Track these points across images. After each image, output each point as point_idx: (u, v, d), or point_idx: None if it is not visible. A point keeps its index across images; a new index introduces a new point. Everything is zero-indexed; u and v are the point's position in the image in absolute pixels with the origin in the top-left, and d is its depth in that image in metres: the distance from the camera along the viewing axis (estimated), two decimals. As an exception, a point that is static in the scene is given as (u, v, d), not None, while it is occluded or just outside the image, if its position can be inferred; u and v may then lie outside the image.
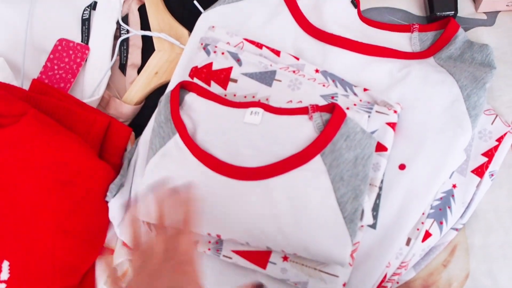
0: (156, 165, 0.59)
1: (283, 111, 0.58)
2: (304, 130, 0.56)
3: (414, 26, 0.67)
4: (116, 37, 0.72)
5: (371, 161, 0.56)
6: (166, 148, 0.59)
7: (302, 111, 0.57)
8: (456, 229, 0.60)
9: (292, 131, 0.56)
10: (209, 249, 0.59)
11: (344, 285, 0.57)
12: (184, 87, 0.62)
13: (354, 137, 0.56)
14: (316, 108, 0.57)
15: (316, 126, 0.56)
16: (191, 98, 0.61)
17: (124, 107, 0.69)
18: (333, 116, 0.56)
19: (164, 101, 0.61)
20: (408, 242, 0.59)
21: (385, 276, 0.58)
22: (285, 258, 0.57)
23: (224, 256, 0.59)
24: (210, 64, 0.64)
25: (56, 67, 0.71)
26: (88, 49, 0.71)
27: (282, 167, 0.55)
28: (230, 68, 0.64)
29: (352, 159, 0.55)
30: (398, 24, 0.68)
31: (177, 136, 0.58)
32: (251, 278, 0.59)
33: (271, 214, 0.54)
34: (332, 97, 0.61)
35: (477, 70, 0.62)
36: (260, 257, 0.58)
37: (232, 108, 0.59)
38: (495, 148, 0.61)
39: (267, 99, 0.61)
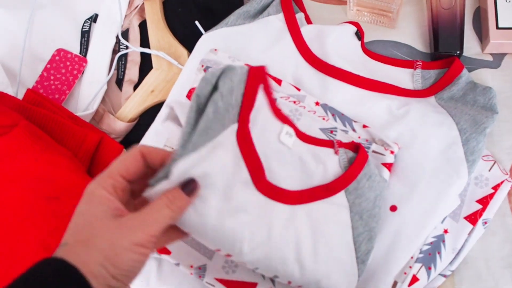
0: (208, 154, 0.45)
1: (310, 139, 0.57)
2: (330, 164, 0.56)
3: (418, 63, 0.66)
4: (115, 52, 0.71)
5: (383, 204, 0.56)
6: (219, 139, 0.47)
7: (328, 143, 0.57)
8: (445, 276, 0.59)
9: (319, 163, 0.56)
10: (191, 274, 0.58)
11: None
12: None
13: (374, 178, 0.56)
14: (341, 144, 0.57)
15: (341, 162, 0.56)
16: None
17: (117, 124, 0.68)
18: (359, 155, 0.56)
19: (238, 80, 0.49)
20: (394, 285, 0.57)
21: (368, 319, 0.57)
22: None
23: (207, 282, 0.57)
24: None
25: (52, 77, 0.70)
26: (85, 61, 0.70)
27: (310, 195, 0.53)
28: None
29: (372, 199, 0.55)
30: (402, 59, 0.67)
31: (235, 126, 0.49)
32: None
33: (294, 241, 0.51)
34: (331, 131, 0.60)
35: (479, 113, 0.60)
36: None
37: (273, 115, 0.54)
38: (491, 196, 0.59)
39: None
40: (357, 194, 0.55)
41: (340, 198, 0.54)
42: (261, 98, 0.52)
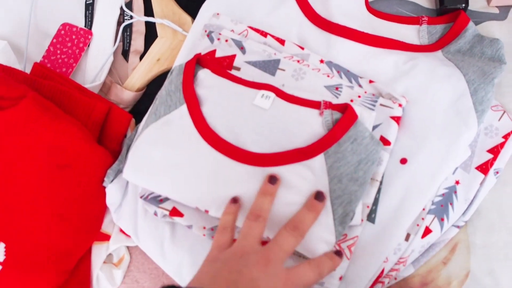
0: (156, 131, 0.58)
1: (295, 99, 0.56)
2: (312, 124, 0.55)
3: (423, 19, 0.65)
4: (119, 23, 0.71)
5: (374, 168, 0.55)
6: (170, 116, 0.58)
7: (314, 104, 0.56)
8: (458, 227, 0.59)
9: (300, 124, 0.55)
10: (204, 235, 0.58)
11: (340, 278, 0.55)
12: (199, 62, 0.61)
13: (361, 141, 0.54)
14: (329, 105, 0.56)
15: (325, 123, 0.55)
16: (204, 74, 0.60)
17: (125, 94, 0.68)
18: (343, 116, 0.55)
19: (177, 71, 0.60)
20: (407, 237, 0.57)
21: (382, 271, 0.57)
22: None
23: None
24: (214, 52, 0.64)
25: (58, 51, 0.70)
26: (91, 34, 0.71)
27: (284, 158, 0.54)
28: (234, 56, 0.63)
29: (355, 163, 0.54)
30: (407, 16, 0.67)
31: (184, 107, 0.58)
32: None
33: None
34: (337, 88, 0.60)
35: (486, 65, 0.60)
36: None
37: (244, 87, 0.58)
38: (501, 145, 0.59)
39: (283, 85, 0.60)
40: (336, 158, 0.54)
41: (317, 161, 0.54)
42: (213, 79, 0.59)
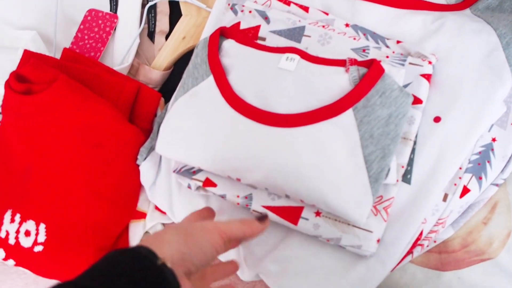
0: (185, 104, 0.58)
1: (320, 60, 0.56)
2: (339, 81, 0.54)
3: (449, -22, 0.64)
4: (143, 5, 0.72)
5: (405, 121, 0.54)
6: (198, 88, 0.58)
7: (340, 63, 0.55)
8: (497, 185, 0.57)
9: (326, 82, 0.55)
10: (238, 204, 0.58)
11: (378, 241, 0.55)
12: (223, 33, 0.61)
13: (390, 94, 0.53)
14: (354, 61, 0.55)
15: (352, 79, 0.54)
16: (229, 44, 0.60)
17: (153, 73, 0.69)
18: (370, 70, 0.54)
19: (202, 44, 0.60)
20: (445, 198, 0.56)
21: (421, 233, 0.56)
22: (317, 214, 0.56)
23: (253, 211, 0.58)
24: (238, 24, 0.64)
25: (86, 37, 0.72)
26: (116, 17, 0.72)
27: (312, 117, 0.53)
28: (258, 27, 0.63)
29: (385, 116, 0.53)
30: (432, -24, 0.66)
31: (211, 77, 0.58)
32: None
33: (295, 163, 0.53)
34: (364, 50, 0.59)
35: (517, 18, 0.58)
36: (291, 213, 0.56)
37: (268, 53, 0.58)
38: (538, 98, 0.57)
39: (306, 48, 0.60)
40: (366, 112, 0.52)
41: (347, 117, 0.53)
42: (237, 48, 0.59)
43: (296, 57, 0.56)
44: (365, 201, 0.52)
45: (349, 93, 0.53)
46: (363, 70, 0.54)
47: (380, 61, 0.56)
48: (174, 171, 0.61)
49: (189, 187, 0.60)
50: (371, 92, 0.53)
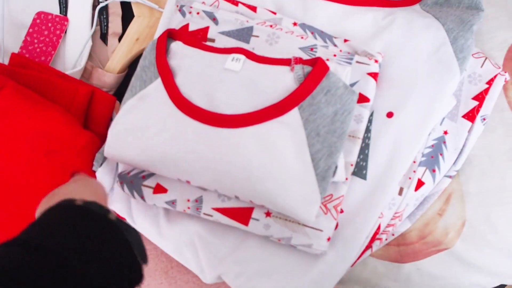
0: (133, 107, 0.58)
1: (265, 60, 0.56)
2: (284, 81, 0.55)
3: (398, -26, 0.65)
4: (94, 6, 0.70)
5: (351, 118, 0.54)
6: (146, 90, 0.58)
7: (285, 62, 0.56)
8: (450, 177, 0.59)
9: (272, 81, 0.55)
10: (188, 208, 0.58)
11: (328, 239, 0.55)
12: (171, 35, 0.60)
13: (335, 92, 0.54)
14: (299, 60, 0.55)
15: (296, 78, 0.55)
16: (176, 46, 0.59)
17: (107, 76, 0.68)
18: (314, 69, 0.54)
19: (150, 47, 0.60)
20: (400, 191, 0.57)
21: (379, 227, 0.57)
22: (268, 214, 0.56)
23: (204, 214, 0.58)
24: (187, 26, 0.63)
25: (36, 40, 0.70)
26: (67, 20, 0.70)
27: (258, 117, 0.53)
28: (207, 28, 0.62)
29: (330, 114, 0.53)
30: (382, -28, 0.66)
31: (159, 80, 0.57)
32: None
33: (242, 163, 0.53)
34: (312, 49, 0.59)
35: (464, 13, 0.60)
36: (241, 214, 0.57)
37: (215, 53, 0.58)
38: (486, 91, 0.59)
39: (253, 48, 0.60)
40: (311, 110, 0.53)
41: (292, 116, 0.53)
42: (185, 50, 0.59)
43: (242, 57, 0.56)
44: (313, 199, 0.52)
45: (294, 92, 0.54)
46: (308, 68, 0.55)
47: (327, 59, 0.57)
48: (120, 173, 0.60)
49: (142, 197, 0.59)
50: (316, 90, 0.53)
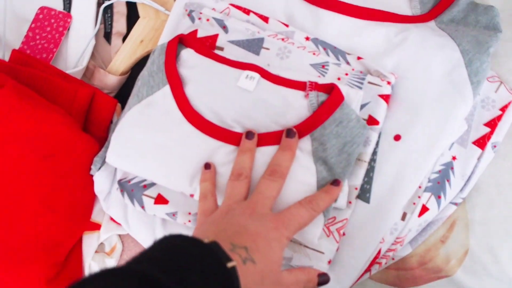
0: (139, 113, 0.57)
1: (281, 80, 0.55)
2: (297, 106, 0.54)
3: (415, -13, 0.62)
4: (99, 4, 0.68)
5: (359, 150, 0.53)
6: (153, 97, 0.56)
7: (300, 86, 0.54)
8: (456, 204, 0.57)
9: (285, 105, 0.54)
10: (189, 221, 0.57)
11: (329, 262, 0.54)
12: (182, 41, 0.59)
13: (347, 124, 0.52)
14: (315, 86, 0.54)
15: (310, 106, 0.54)
16: (187, 54, 0.58)
17: (109, 78, 0.66)
18: (329, 98, 0.53)
19: (159, 51, 0.58)
20: (403, 217, 0.56)
21: (379, 252, 0.56)
22: None
23: None
24: (195, 32, 0.61)
25: (38, 36, 0.68)
26: (70, 17, 0.68)
27: (269, 139, 0.53)
28: (216, 36, 0.60)
29: (339, 146, 0.52)
30: (398, -15, 0.64)
31: (167, 87, 0.56)
32: None
33: None
34: (323, 66, 0.57)
35: (481, 33, 0.58)
36: None
37: (228, 67, 0.56)
38: (499, 117, 0.57)
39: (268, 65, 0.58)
40: (322, 140, 0.52)
41: (303, 142, 0.53)
42: (196, 59, 0.57)
43: (256, 75, 0.54)
44: (316, 221, 0.51)
45: (306, 120, 0.53)
46: (323, 96, 0.53)
47: (338, 79, 0.56)
48: (120, 181, 0.59)
49: (142, 207, 0.58)
50: (328, 120, 0.52)
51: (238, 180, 0.51)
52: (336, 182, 0.52)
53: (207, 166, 0.53)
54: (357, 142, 0.52)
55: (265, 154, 0.53)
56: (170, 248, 0.39)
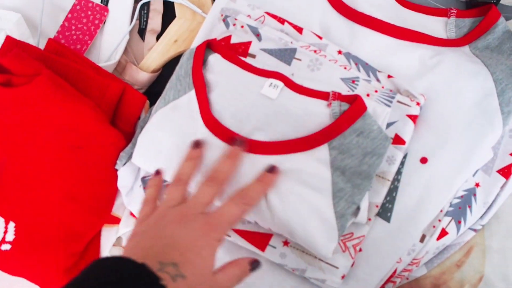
0: (165, 116, 0.57)
1: (304, 90, 0.55)
2: (319, 115, 0.54)
3: (452, 11, 0.63)
4: (136, 1, 0.69)
5: (380, 162, 0.53)
6: (179, 101, 0.57)
7: (323, 95, 0.54)
8: (475, 230, 0.57)
9: (306, 114, 0.54)
10: None
11: (343, 277, 0.55)
12: (210, 46, 0.59)
13: (368, 135, 0.52)
14: (338, 96, 0.54)
15: (332, 115, 0.54)
16: (214, 59, 0.58)
17: (140, 74, 0.67)
18: (351, 107, 0.53)
19: (187, 56, 0.59)
20: (422, 239, 0.56)
21: (395, 271, 0.56)
22: (285, 243, 0.56)
23: None
24: (229, 37, 0.62)
25: (73, 27, 0.69)
26: (107, 10, 0.69)
27: (287, 147, 0.53)
28: (249, 43, 0.61)
29: (360, 156, 0.52)
30: (435, 7, 0.64)
31: (192, 92, 0.57)
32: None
33: None
34: (353, 81, 0.58)
35: (515, 63, 0.58)
36: (260, 239, 0.56)
37: (253, 74, 0.57)
38: (525, 148, 0.57)
39: (292, 74, 0.58)
40: (341, 150, 0.52)
41: (321, 151, 0.52)
42: (222, 65, 0.58)
43: (280, 84, 0.55)
44: (331, 236, 0.52)
45: (326, 128, 0.53)
46: (345, 106, 0.53)
47: (367, 95, 0.55)
48: (144, 178, 0.60)
49: None
50: (348, 130, 0.52)
51: (176, 186, 0.51)
52: (272, 169, 0.51)
53: (157, 172, 0.56)
54: (378, 154, 0.52)
55: (280, 163, 0.53)
56: (99, 276, 0.39)
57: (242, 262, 0.48)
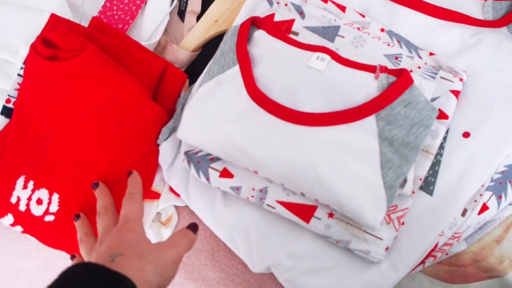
0: (209, 91, 0.58)
1: (351, 63, 0.56)
2: (367, 87, 0.54)
3: (489, -7, 0.64)
4: (177, -18, 0.70)
5: (427, 133, 0.54)
6: (223, 76, 0.58)
7: (370, 68, 0.55)
8: (515, 205, 0.58)
9: (354, 86, 0.55)
10: (252, 196, 0.58)
11: (387, 249, 0.55)
12: (255, 23, 0.60)
13: (415, 106, 0.53)
14: (385, 69, 0.55)
15: (380, 87, 0.54)
16: (260, 35, 0.59)
17: (181, 53, 0.68)
18: (398, 79, 0.53)
19: (231, 32, 0.60)
20: (464, 213, 0.57)
21: (436, 245, 0.57)
22: (330, 215, 0.56)
23: (267, 205, 0.58)
24: (272, 16, 0.63)
25: (115, 7, 0.70)
26: (148, -9, 0.70)
27: (334, 118, 0.53)
28: (292, 21, 0.62)
29: (407, 127, 0.53)
30: (472, -10, 0.65)
31: (236, 67, 0.57)
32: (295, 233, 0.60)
33: (313, 161, 0.53)
34: (396, 58, 0.59)
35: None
36: (304, 211, 0.57)
37: (299, 49, 0.57)
38: None
39: (337, 49, 0.59)
40: (388, 120, 0.52)
41: (369, 123, 0.53)
42: (268, 40, 0.59)
43: (327, 57, 0.56)
44: (379, 206, 0.52)
45: (374, 99, 0.53)
46: (392, 78, 0.54)
47: (411, 71, 0.56)
48: (187, 152, 0.61)
49: (207, 179, 0.60)
50: (396, 101, 0.53)
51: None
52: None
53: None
54: (425, 125, 0.53)
55: (328, 134, 0.53)
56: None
57: (183, 230, 0.54)
